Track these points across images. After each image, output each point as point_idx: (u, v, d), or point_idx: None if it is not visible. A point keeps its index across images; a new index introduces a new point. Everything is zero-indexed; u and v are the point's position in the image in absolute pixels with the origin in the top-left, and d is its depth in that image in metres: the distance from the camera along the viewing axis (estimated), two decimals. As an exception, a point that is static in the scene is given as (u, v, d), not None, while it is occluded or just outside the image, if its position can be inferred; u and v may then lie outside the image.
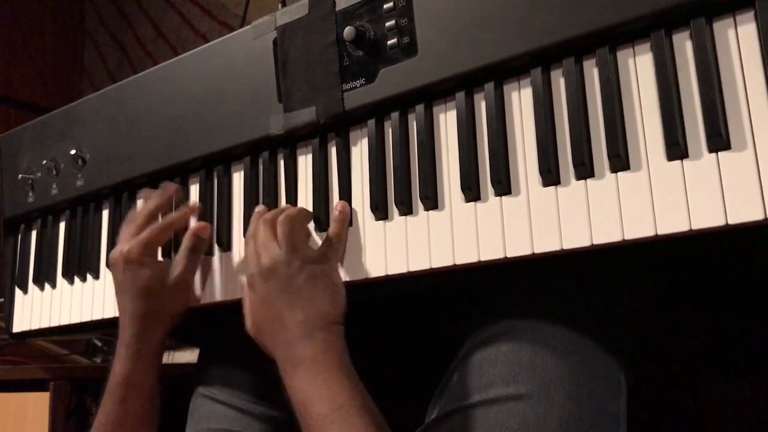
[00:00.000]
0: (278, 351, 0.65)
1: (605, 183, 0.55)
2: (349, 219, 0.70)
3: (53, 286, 0.98)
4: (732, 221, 0.49)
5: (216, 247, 0.81)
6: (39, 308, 1.00)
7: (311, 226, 0.73)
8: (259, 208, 0.74)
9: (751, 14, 0.51)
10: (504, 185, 0.60)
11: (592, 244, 0.55)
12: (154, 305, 0.76)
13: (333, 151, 0.73)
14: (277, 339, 0.65)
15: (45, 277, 0.99)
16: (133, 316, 0.76)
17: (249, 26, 0.79)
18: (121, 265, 0.77)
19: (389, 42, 0.67)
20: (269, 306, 0.66)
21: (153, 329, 0.77)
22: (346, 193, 0.71)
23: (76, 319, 0.94)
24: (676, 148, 0.52)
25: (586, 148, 0.56)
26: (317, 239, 0.72)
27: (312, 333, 0.63)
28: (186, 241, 0.78)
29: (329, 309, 0.65)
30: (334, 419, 0.59)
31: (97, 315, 0.91)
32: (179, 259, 0.78)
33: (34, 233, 1.04)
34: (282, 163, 0.77)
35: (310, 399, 0.61)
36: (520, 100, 0.61)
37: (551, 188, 0.58)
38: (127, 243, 0.77)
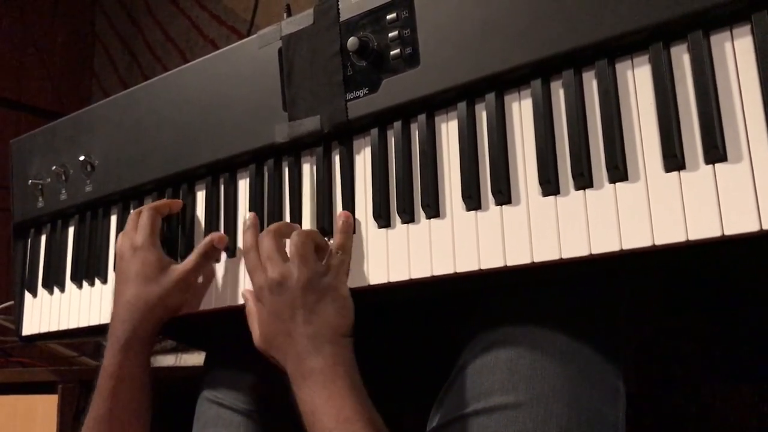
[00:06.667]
0: (289, 364, 0.66)
1: (604, 193, 0.56)
2: (353, 229, 0.71)
3: (62, 290, 1.00)
4: (728, 232, 0.49)
5: (222, 253, 0.82)
6: (48, 312, 1.01)
7: (313, 227, 0.74)
8: (250, 216, 0.75)
9: (747, 28, 0.51)
10: (504, 195, 0.61)
11: (591, 254, 0.55)
12: (153, 293, 0.78)
13: (336, 160, 0.74)
14: (287, 352, 0.66)
15: (54, 281, 1.01)
16: (129, 303, 0.77)
17: (255, 35, 0.80)
18: (130, 252, 0.80)
19: (392, 52, 0.68)
20: (279, 320, 0.67)
21: (146, 320, 0.78)
22: (349, 201, 0.72)
23: (84, 322, 0.95)
24: (674, 159, 0.52)
25: (585, 158, 0.57)
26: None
27: (321, 346, 0.64)
28: (200, 246, 0.79)
29: (338, 321, 0.66)
30: None
31: (105, 319, 0.92)
32: (189, 259, 0.79)
33: (43, 238, 1.05)
34: (287, 170, 0.78)
35: (317, 411, 0.62)
36: (521, 111, 0.62)
37: (551, 198, 0.58)
38: (132, 233, 0.81)
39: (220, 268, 0.81)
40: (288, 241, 0.70)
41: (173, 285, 0.78)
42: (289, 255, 0.68)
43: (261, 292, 0.69)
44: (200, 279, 0.81)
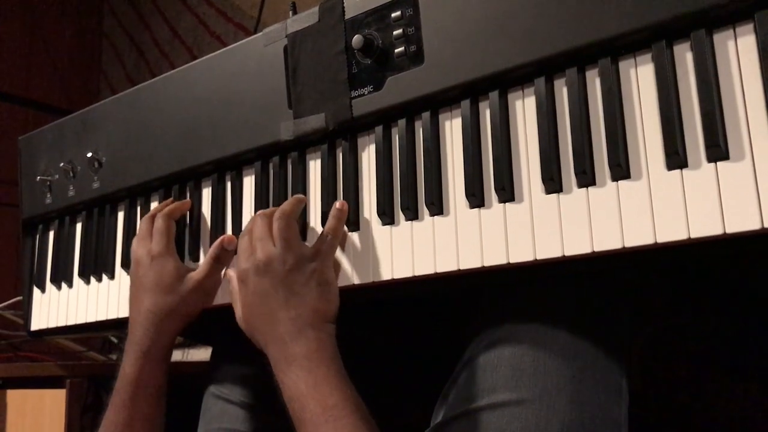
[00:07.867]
0: (270, 347, 0.66)
1: (606, 191, 0.56)
2: (346, 217, 0.71)
3: (70, 285, 1.01)
4: (729, 230, 0.50)
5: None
6: (56, 307, 1.02)
7: (317, 223, 0.74)
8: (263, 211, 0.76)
9: (750, 26, 0.52)
10: (507, 192, 0.61)
11: (593, 251, 0.56)
12: (172, 302, 0.78)
13: (341, 157, 0.75)
14: (268, 335, 0.67)
15: (62, 276, 1.02)
16: (149, 312, 0.78)
17: (260, 33, 0.81)
18: (148, 260, 0.80)
19: (397, 50, 0.69)
20: (262, 301, 0.67)
21: (166, 327, 0.79)
22: (353, 198, 0.72)
23: (91, 318, 0.96)
24: (676, 157, 0.53)
25: (588, 156, 0.57)
26: (318, 230, 0.74)
27: (304, 330, 0.65)
28: (212, 250, 0.80)
29: (321, 306, 0.67)
30: (327, 418, 0.60)
31: (112, 314, 0.93)
32: (202, 265, 0.80)
33: (51, 234, 1.06)
34: (292, 167, 0.79)
35: (303, 397, 0.62)
36: (524, 109, 0.62)
37: (553, 195, 0.59)
38: (148, 240, 0.81)
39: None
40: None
41: (191, 293, 0.79)
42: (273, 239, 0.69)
43: (245, 273, 0.69)
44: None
